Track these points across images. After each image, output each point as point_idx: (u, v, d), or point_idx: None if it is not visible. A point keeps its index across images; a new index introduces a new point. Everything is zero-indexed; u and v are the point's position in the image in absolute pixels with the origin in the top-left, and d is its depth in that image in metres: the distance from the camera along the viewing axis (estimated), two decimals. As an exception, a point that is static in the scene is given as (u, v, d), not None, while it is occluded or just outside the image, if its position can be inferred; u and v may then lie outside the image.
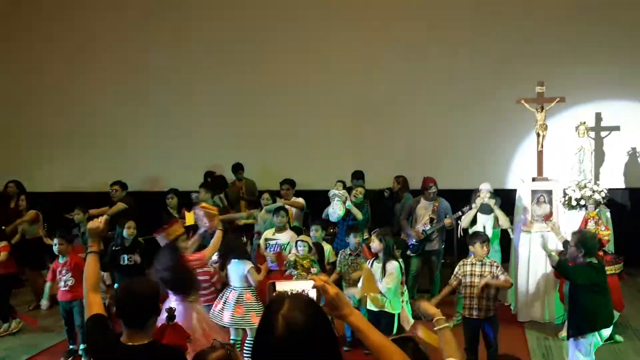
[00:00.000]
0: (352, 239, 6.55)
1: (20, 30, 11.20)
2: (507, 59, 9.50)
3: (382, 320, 5.71)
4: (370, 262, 5.90)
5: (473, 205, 7.26)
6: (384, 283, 5.67)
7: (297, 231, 7.34)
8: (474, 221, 7.31)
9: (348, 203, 7.65)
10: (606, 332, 5.16)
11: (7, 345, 7.17)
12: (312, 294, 2.22)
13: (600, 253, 6.54)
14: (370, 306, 5.85)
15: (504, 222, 7.19)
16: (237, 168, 9.62)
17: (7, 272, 7.47)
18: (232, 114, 10.52)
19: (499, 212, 7.10)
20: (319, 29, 10.20)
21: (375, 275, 5.75)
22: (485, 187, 7.26)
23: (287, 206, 7.87)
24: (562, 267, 5.45)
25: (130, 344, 2.94)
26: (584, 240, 5.17)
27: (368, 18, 10.02)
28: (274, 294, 2.25)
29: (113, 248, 6.89)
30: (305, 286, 2.26)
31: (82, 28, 10.99)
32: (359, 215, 7.68)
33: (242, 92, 10.45)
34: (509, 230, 7.39)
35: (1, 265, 7.36)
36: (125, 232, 6.90)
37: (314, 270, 6.08)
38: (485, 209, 7.23)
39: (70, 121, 11.19)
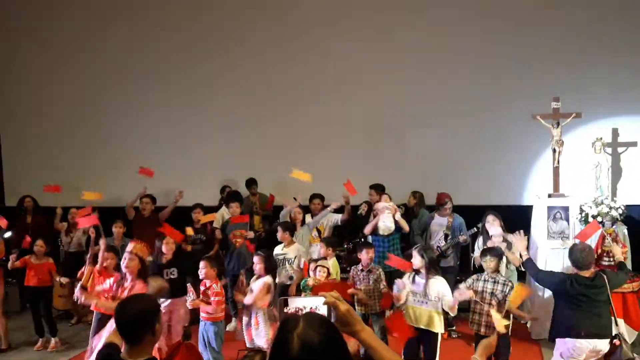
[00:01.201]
0: (365, 255, 6.53)
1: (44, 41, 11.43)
2: (523, 74, 9.47)
3: (426, 339, 5.64)
4: (411, 277, 5.78)
5: (484, 246, 6.93)
6: (448, 303, 5.53)
7: (335, 243, 7.35)
8: None
9: (398, 214, 7.56)
10: (584, 344, 5.11)
11: (25, 358, 7.28)
12: (323, 310, 2.24)
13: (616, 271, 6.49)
14: (417, 324, 5.69)
15: (514, 261, 6.62)
16: (251, 183, 9.66)
17: (45, 285, 7.57)
18: (246, 128, 10.56)
19: (509, 255, 6.54)
20: (336, 44, 10.24)
21: (418, 291, 5.65)
22: (496, 232, 6.89)
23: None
24: (526, 266, 5.80)
25: (128, 359, 3.01)
26: (571, 252, 5.38)
27: (385, 34, 10.06)
28: (285, 310, 2.28)
29: (154, 262, 6.90)
30: (316, 302, 2.29)
31: (89, 41, 11.18)
32: (406, 227, 7.63)
33: (257, 105, 10.51)
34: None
35: (41, 277, 7.46)
36: (164, 247, 6.85)
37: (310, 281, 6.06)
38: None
39: (80, 136, 11.35)
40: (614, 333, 5.35)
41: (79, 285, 5.56)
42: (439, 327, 5.63)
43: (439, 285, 5.59)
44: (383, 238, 7.55)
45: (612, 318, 5.40)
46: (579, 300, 5.16)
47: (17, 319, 8.54)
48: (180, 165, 10.70)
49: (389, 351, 2.20)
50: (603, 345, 5.18)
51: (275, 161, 10.19)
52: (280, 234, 7.30)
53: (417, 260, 5.67)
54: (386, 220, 7.50)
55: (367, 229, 7.68)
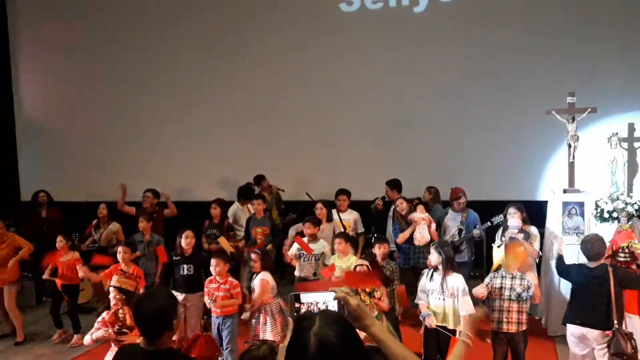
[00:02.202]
0: (377, 251, 6.47)
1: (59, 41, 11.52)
2: (538, 69, 9.41)
3: (442, 336, 5.56)
4: (430, 273, 5.72)
5: (502, 239, 6.88)
6: (464, 305, 5.46)
7: (354, 241, 7.28)
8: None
9: (433, 225, 7.39)
10: (574, 329, 5.44)
11: (39, 352, 7.35)
12: (334, 305, 2.24)
13: (634, 267, 6.43)
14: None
15: (532, 253, 6.68)
16: (260, 180, 9.66)
17: (72, 283, 7.58)
18: (258, 127, 10.62)
19: (527, 246, 6.50)
20: (348, 40, 10.24)
21: (435, 289, 5.59)
22: (514, 224, 6.75)
23: (342, 216, 8.06)
24: (557, 260, 6.05)
25: (147, 348, 3.09)
26: (581, 243, 5.59)
27: (396, 32, 10.03)
28: (297, 305, 2.29)
29: (173, 258, 6.94)
30: (327, 297, 2.28)
31: (106, 45, 11.27)
32: (436, 238, 7.38)
33: (270, 104, 10.56)
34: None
35: (68, 274, 7.46)
36: (183, 242, 6.86)
37: (377, 294, 5.85)
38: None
39: (93, 133, 11.43)
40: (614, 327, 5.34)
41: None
42: (454, 324, 5.55)
43: (456, 281, 5.53)
44: (415, 246, 7.46)
45: (610, 312, 5.34)
46: (579, 289, 5.43)
47: (32, 312, 8.63)
48: (191, 162, 10.80)
49: (400, 345, 2.20)
50: (592, 335, 5.35)
51: (287, 158, 10.23)
52: (310, 230, 7.17)
53: (434, 257, 5.61)
54: (423, 231, 7.34)
55: (401, 238, 7.50)
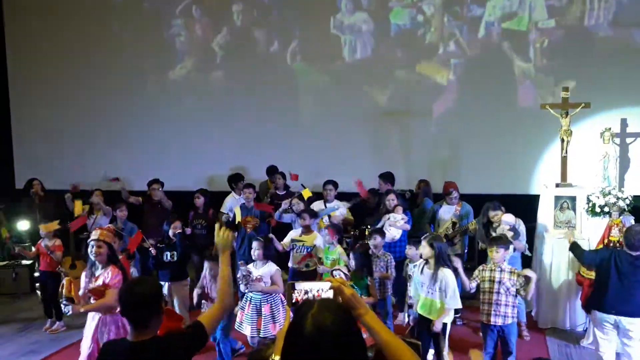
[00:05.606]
0: (373, 242, 6.59)
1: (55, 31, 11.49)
2: (532, 63, 9.44)
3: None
4: (420, 267, 5.74)
5: (494, 233, 6.88)
6: (453, 301, 5.51)
7: (337, 228, 7.36)
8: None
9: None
10: (606, 318, 5.47)
11: (34, 339, 7.38)
12: (329, 294, 2.29)
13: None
14: (424, 313, 5.68)
15: (520, 248, 6.86)
16: (274, 171, 9.54)
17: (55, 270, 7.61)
18: (258, 121, 10.65)
19: (516, 243, 6.68)
20: (341, 35, 10.25)
21: (425, 282, 5.61)
22: (505, 221, 6.80)
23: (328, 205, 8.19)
24: (572, 249, 6.29)
25: (133, 340, 3.05)
26: (625, 233, 5.66)
27: (389, 23, 10.04)
28: (293, 292, 2.35)
29: (158, 245, 7.05)
30: (323, 287, 2.33)
31: (111, 30, 11.26)
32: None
33: (267, 98, 10.58)
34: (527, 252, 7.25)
35: (51, 262, 7.56)
36: (170, 231, 7.01)
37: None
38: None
39: (95, 120, 11.42)
40: None
41: (63, 300, 5.25)
42: (444, 318, 5.56)
43: (446, 276, 5.52)
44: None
45: None
46: (617, 275, 5.42)
47: (26, 300, 8.67)
48: (186, 156, 10.85)
49: (391, 334, 2.27)
50: (627, 322, 5.38)
51: (283, 152, 10.24)
52: (307, 221, 7.30)
53: (426, 250, 5.59)
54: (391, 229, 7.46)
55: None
